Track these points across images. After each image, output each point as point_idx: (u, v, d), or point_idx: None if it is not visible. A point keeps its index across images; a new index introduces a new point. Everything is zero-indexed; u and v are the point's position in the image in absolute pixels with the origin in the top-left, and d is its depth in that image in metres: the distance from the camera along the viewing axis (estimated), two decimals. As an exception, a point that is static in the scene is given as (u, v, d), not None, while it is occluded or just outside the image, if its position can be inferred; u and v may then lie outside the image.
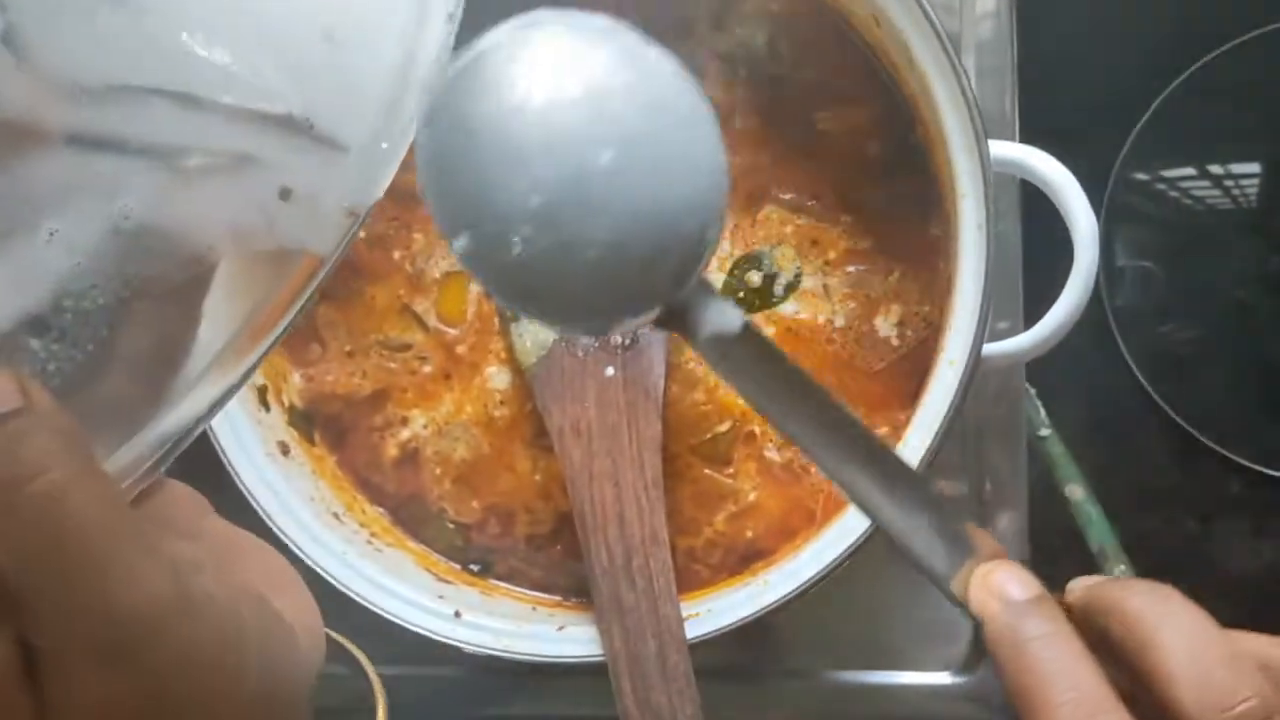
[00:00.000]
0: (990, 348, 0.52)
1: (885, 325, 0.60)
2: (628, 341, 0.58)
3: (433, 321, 0.62)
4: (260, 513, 0.54)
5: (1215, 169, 0.77)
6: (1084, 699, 0.30)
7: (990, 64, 0.66)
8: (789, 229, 0.60)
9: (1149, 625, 0.31)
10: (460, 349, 0.62)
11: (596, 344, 0.58)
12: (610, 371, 0.57)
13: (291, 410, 0.62)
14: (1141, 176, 0.77)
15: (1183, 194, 0.78)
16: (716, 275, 0.61)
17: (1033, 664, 0.31)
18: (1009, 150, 0.53)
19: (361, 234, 0.62)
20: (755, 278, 0.61)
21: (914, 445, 0.53)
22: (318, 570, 0.54)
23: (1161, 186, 0.78)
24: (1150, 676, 0.31)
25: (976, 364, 0.51)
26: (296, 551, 0.54)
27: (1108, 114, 0.76)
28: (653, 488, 0.55)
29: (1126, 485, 0.77)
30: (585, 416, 0.56)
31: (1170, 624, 0.31)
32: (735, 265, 0.61)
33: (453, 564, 0.62)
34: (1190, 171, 0.77)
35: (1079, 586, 0.35)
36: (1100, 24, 0.77)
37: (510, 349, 0.60)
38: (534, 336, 0.59)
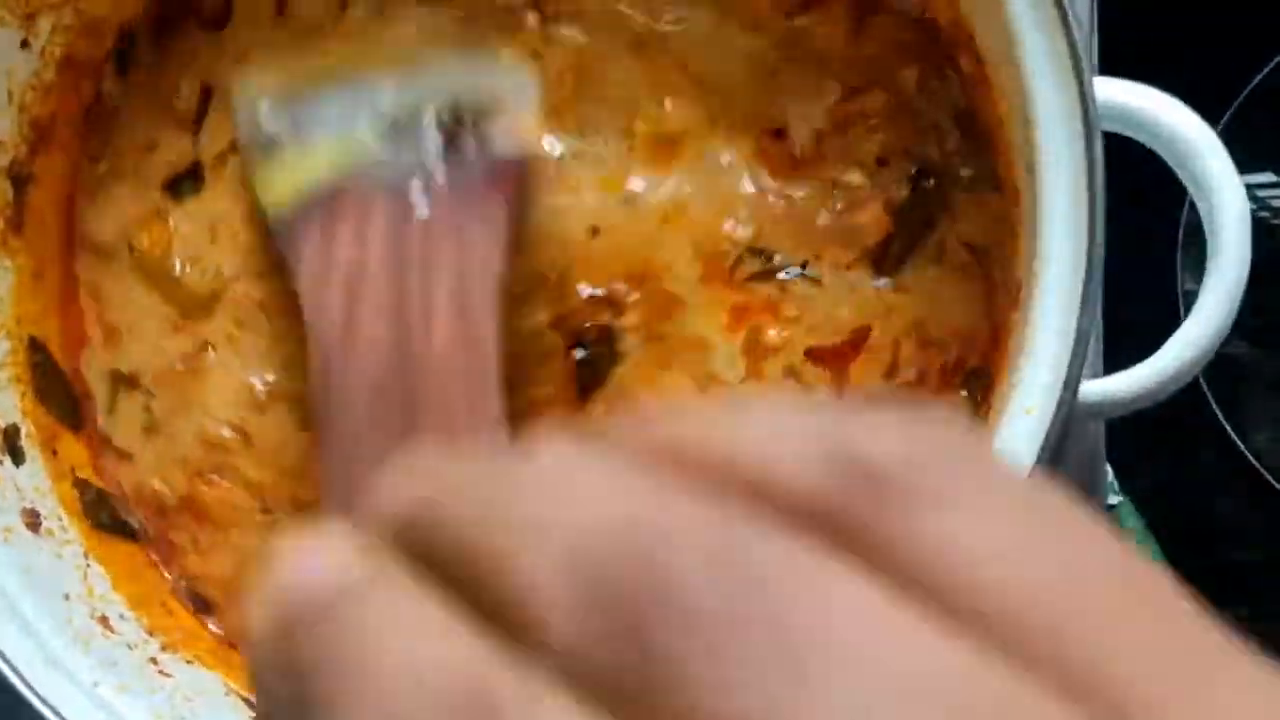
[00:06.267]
0: (1092, 389, 0.34)
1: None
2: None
3: None
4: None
5: (1299, 175, 0.69)
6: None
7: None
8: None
9: None
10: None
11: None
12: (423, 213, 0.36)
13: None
14: (1212, 183, 0.70)
15: (1260, 205, 0.72)
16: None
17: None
18: (1116, 92, 0.36)
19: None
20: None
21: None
22: (45, 713, 0.34)
23: (1234, 195, 0.72)
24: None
25: (1069, 414, 0.33)
26: (17, 685, 0.34)
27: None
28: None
29: (1211, 564, 0.69)
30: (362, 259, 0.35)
31: None
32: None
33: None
34: (1269, 178, 0.72)
35: None
36: (1181, 7, 0.69)
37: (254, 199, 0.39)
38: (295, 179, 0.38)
